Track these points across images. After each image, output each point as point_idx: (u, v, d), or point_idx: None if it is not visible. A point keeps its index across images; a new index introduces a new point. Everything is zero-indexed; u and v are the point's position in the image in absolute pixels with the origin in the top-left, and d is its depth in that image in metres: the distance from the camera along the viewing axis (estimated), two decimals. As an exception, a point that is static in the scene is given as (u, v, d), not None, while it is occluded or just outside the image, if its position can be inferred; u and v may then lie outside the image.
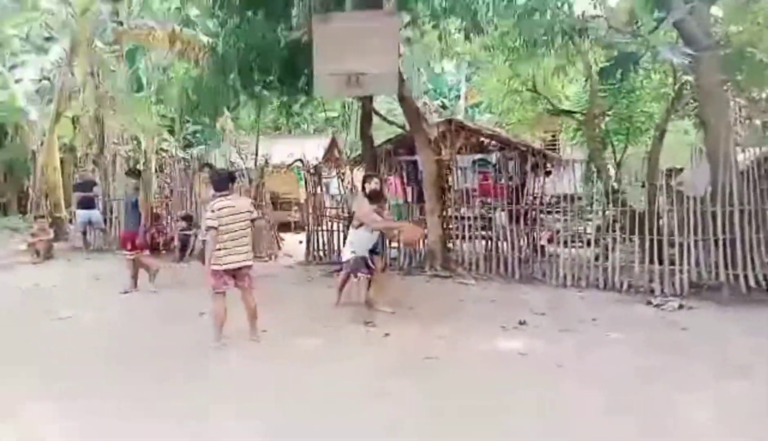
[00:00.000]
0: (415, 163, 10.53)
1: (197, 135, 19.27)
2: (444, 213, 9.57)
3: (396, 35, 7.65)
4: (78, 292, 7.80)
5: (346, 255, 6.56)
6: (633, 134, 10.45)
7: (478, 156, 10.70)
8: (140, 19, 14.19)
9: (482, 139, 11.04)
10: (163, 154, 15.14)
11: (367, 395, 4.25)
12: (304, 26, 7.99)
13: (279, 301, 7.40)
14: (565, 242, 8.62)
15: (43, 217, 11.73)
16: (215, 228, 5.18)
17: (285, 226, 15.06)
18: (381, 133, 13.48)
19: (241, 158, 12.37)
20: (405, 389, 4.36)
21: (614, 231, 8.33)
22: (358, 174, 11.18)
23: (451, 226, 9.64)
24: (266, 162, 12.35)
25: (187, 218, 10.95)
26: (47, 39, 16.33)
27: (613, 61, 7.59)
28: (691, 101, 9.39)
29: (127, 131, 15.10)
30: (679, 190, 7.88)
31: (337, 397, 4.20)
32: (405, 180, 11.46)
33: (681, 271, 7.48)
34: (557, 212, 9.09)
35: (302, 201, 11.98)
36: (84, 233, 11.61)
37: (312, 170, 11.31)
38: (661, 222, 8.06)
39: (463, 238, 9.42)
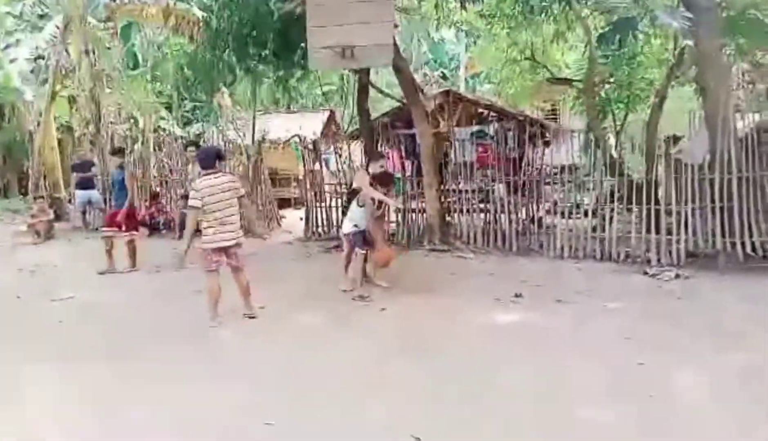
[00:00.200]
0: (413, 136, 10.48)
1: (196, 111, 19.15)
2: (442, 186, 9.55)
3: (390, 5, 7.51)
4: (78, 273, 7.86)
5: (348, 228, 6.57)
6: (633, 102, 10.31)
7: (476, 127, 10.62)
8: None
9: (480, 110, 10.92)
10: (161, 132, 15.11)
11: (362, 371, 4.29)
12: (298, -3, 7.86)
13: (277, 277, 7.46)
14: (563, 213, 8.59)
15: (42, 197, 11.78)
16: (198, 208, 5.18)
17: (285, 202, 15.10)
18: (383, 106, 13.39)
19: (239, 135, 12.27)
20: (401, 364, 4.39)
21: (612, 201, 8.29)
22: (356, 148, 11.16)
23: (449, 200, 9.63)
24: (263, 138, 12.31)
25: (188, 196, 10.94)
26: (41, 16, 16.15)
27: (612, 26, 7.44)
28: (692, 67, 9.22)
29: (123, 109, 15.05)
30: (677, 158, 7.81)
31: (333, 374, 4.24)
32: (403, 154, 11.43)
33: (678, 241, 7.47)
34: (556, 183, 9.05)
35: (301, 177, 11.95)
36: (83, 213, 11.68)
37: (310, 146, 11.26)
38: (659, 191, 8.02)
39: (462, 211, 9.40)
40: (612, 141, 10.00)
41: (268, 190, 11.95)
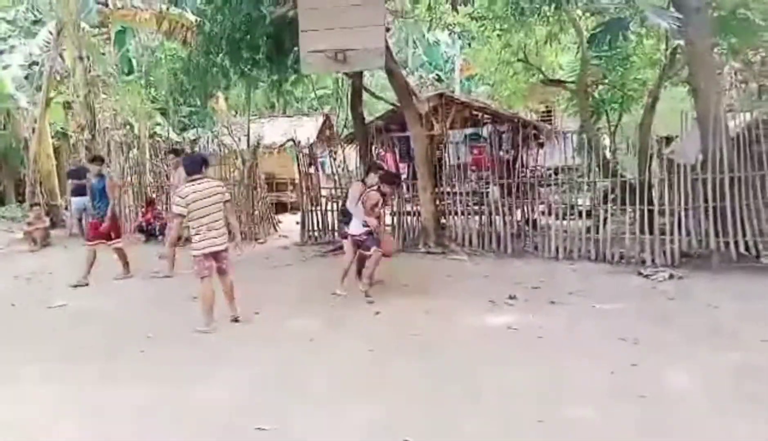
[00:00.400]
0: (407, 139, 10.49)
1: (192, 117, 19.15)
2: (437, 189, 9.56)
3: (382, 8, 7.53)
4: (74, 280, 7.84)
5: (358, 229, 6.54)
6: (627, 102, 10.33)
7: (470, 130, 10.65)
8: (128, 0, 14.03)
9: (474, 112, 10.95)
10: (157, 138, 15.10)
11: (358, 373, 4.30)
12: (290, 0, 7.88)
13: (274, 281, 7.51)
14: (557, 215, 8.61)
15: (38, 205, 11.77)
16: (182, 215, 5.20)
17: (282, 207, 15.11)
18: (379, 109, 13.40)
19: (234, 140, 12.28)
20: (396, 366, 4.41)
21: (606, 202, 8.32)
22: (351, 152, 11.18)
23: (444, 202, 9.64)
24: (258, 143, 12.31)
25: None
26: (35, 22, 16.17)
27: (603, 27, 7.47)
28: (684, 67, 9.26)
29: (119, 115, 15.04)
30: (670, 158, 7.84)
31: (329, 376, 4.25)
32: (398, 156, 11.46)
33: (672, 241, 7.49)
34: (548, 185, 9.07)
35: (297, 181, 11.96)
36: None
37: (305, 150, 11.27)
38: (652, 192, 8.04)
39: (457, 213, 9.41)
40: (606, 142, 10.03)
41: (263, 195, 11.93)
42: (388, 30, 9.16)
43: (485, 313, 5.79)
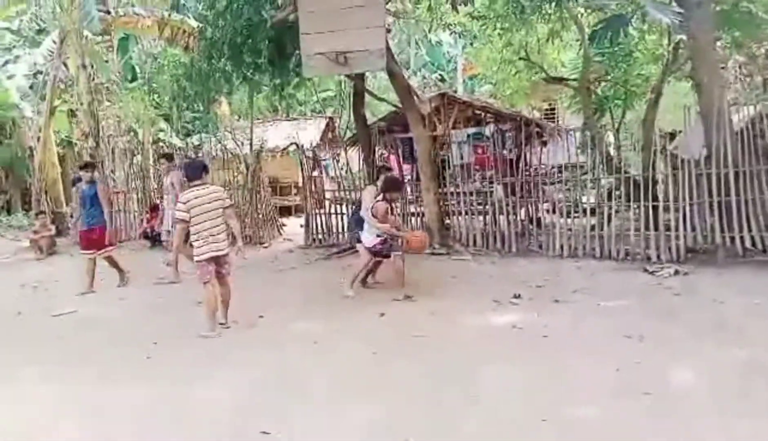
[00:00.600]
0: (410, 140, 10.52)
1: (196, 122, 19.26)
2: (441, 189, 9.59)
3: (382, 9, 7.56)
4: (80, 288, 7.90)
5: (371, 240, 6.58)
6: (630, 99, 10.31)
7: (473, 130, 10.66)
8: (129, 6, 14.15)
9: (477, 111, 10.96)
10: (161, 144, 15.20)
11: (362, 374, 4.32)
12: (290, 3, 7.92)
13: (278, 284, 7.55)
14: (562, 213, 8.61)
15: (44, 213, 11.87)
16: (185, 220, 5.25)
17: (286, 210, 15.18)
18: (382, 110, 13.43)
19: (237, 144, 12.35)
20: (400, 367, 4.41)
21: (610, 200, 8.30)
22: (354, 154, 11.22)
23: (448, 203, 9.66)
24: (262, 147, 12.38)
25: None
26: (39, 31, 16.32)
27: (604, 24, 7.47)
28: (687, 62, 9.24)
29: (122, 122, 15.16)
30: (674, 154, 7.82)
31: (333, 377, 4.27)
32: (401, 158, 11.49)
33: (677, 237, 7.47)
34: (553, 183, 9.07)
35: (301, 184, 12.02)
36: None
37: (308, 153, 11.33)
38: (657, 188, 8.02)
39: (461, 213, 9.42)
40: (610, 139, 10.02)
41: (267, 199, 12.00)
42: (388, 31, 9.22)
43: (490, 312, 5.79)
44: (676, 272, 6.84)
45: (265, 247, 10.85)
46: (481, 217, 9.30)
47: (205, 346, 5.17)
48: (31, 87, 15.17)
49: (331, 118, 18.04)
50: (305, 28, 7.18)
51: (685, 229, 7.47)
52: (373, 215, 6.48)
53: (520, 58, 10.97)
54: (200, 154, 11.85)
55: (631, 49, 9.91)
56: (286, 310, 6.19)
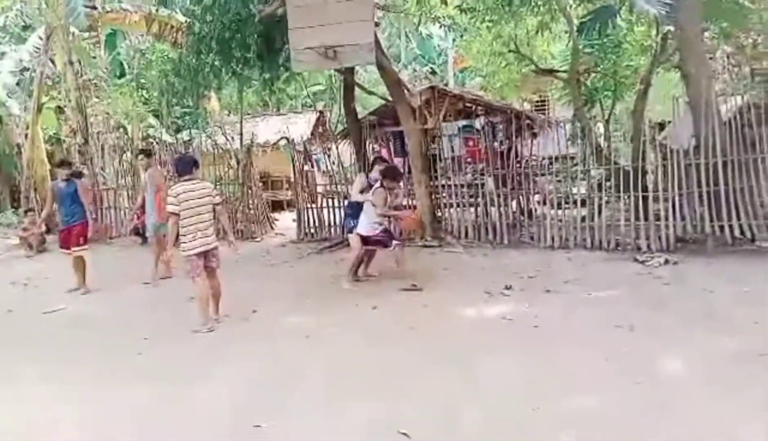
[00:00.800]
0: (401, 133, 10.48)
1: (186, 118, 19.13)
2: (432, 182, 9.60)
3: (371, 3, 7.51)
4: (70, 284, 7.85)
5: (372, 229, 6.69)
6: (620, 90, 10.34)
7: (464, 122, 10.65)
8: (116, 2, 13.99)
9: (467, 104, 10.96)
10: (151, 140, 15.08)
11: (355, 368, 4.31)
12: (278, -2, 7.86)
13: (271, 278, 7.55)
14: (553, 204, 8.65)
15: (33, 210, 11.77)
16: (176, 214, 5.25)
17: (278, 205, 15.14)
18: (373, 103, 13.41)
19: (227, 139, 12.29)
20: (393, 360, 4.42)
21: (601, 190, 8.34)
22: (345, 148, 11.19)
23: (440, 195, 9.67)
24: (252, 141, 12.33)
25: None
26: (24, 28, 16.11)
27: (592, 15, 7.47)
28: (675, 52, 9.28)
29: (111, 118, 15.02)
30: (663, 144, 7.86)
31: (326, 371, 4.26)
32: (393, 151, 11.46)
33: (667, 227, 7.52)
34: (544, 175, 9.11)
35: (293, 179, 11.99)
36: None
37: (299, 147, 11.30)
38: (647, 178, 8.06)
39: (452, 206, 9.45)
40: (600, 129, 10.05)
41: (259, 193, 11.97)
42: (377, 25, 9.17)
43: (481, 304, 5.81)
44: (666, 262, 6.89)
45: (258, 242, 10.83)
46: (472, 210, 9.32)
47: (198, 341, 5.15)
48: (18, 84, 14.98)
49: (321, 112, 17.97)
50: (293, 22, 7.11)
51: (674, 218, 7.52)
52: (373, 204, 6.59)
53: (509, 51, 10.96)
54: (190, 150, 11.76)
55: (619, 40, 9.94)
56: (279, 303, 6.19)
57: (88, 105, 13.43)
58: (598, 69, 10.36)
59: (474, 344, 4.67)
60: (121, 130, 15.58)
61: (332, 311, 5.84)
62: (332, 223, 10.49)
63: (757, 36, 10.54)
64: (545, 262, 7.47)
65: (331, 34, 7.01)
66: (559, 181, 8.95)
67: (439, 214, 9.61)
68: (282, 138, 12.95)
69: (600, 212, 8.17)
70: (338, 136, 11.86)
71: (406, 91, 9.33)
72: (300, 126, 15.89)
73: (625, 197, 7.99)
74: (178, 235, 5.38)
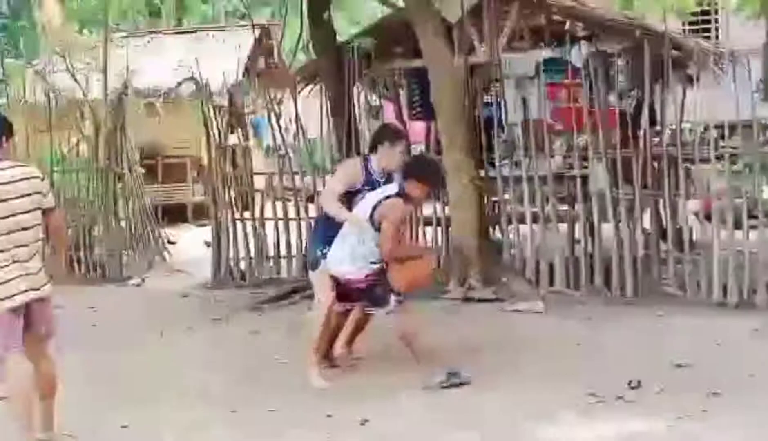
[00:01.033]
0: (423, 73, 10.54)
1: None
2: (483, 171, 9.68)
3: None
4: None
5: (358, 270, 6.63)
6: None
7: (548, 53, 10.68)
8: None
9: (556, 18, 11.00)
10: None
11: None
12: None
13: (151, 368, 7.53)
14: (725, 220, 8.65)
15: None
16: None
17: (177, 213, 15.19)
18: (368, 14, 13.43)
19: (76, 80, 12.36)
20: None
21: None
22: (312, 102, 11.23)
23: (498, 199, 9.69)
24: (127, 86, 12.38)
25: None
26: None
27: None
28: None
29: None
30: None
31: None
32: (406, 109, 11.51)
33: None
34: (707, 161, 9.09)
35: (206, 162, 12.06)
36: None
37: (220, 100, 11.39)
38: None
39: (523, 220, 9.53)
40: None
41: (138, 190, 12.01)
42: None
43: (581, 417, 5.79)
44: None
45: (134, 287, 10.85)
46: (564, 228, 9.37)
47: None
48: None
49: (265, 29, 18.07)
50: None
51: None
52: (374, 223, 6.51)
53: None
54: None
55: None
56: (173, 415, 6.16)
57: None
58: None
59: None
60: None
61: (280, 432, 5.83)
62: (283, 252, 10.59)
63: None
64: (708, 337, 7.47)
65: None
66: (739, 173, 8.91)
67: (497, 235, 9.65)
68: (186, 80, 12.98)
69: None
70: (299, 79, 11.90)
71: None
72: (223, 56, 15.97)
73: None
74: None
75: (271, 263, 10.80)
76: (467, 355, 7.23)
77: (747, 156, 9.07)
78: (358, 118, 10.76)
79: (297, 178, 10.86)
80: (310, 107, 11.10)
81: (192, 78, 12.51)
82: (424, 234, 10.06)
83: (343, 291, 6.73)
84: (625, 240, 8.95)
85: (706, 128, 10.01)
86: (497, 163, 9.77)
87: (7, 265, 5.24)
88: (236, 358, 7.59)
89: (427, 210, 9.89)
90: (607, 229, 9.13)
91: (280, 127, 11.16)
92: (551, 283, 9.15)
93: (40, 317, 5.43)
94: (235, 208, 11.08)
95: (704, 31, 15.82)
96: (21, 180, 5.38)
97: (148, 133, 14.61)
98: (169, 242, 12.87)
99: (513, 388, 6.39)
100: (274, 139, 11.30)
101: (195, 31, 19.02)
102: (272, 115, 11.13)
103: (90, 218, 11.47)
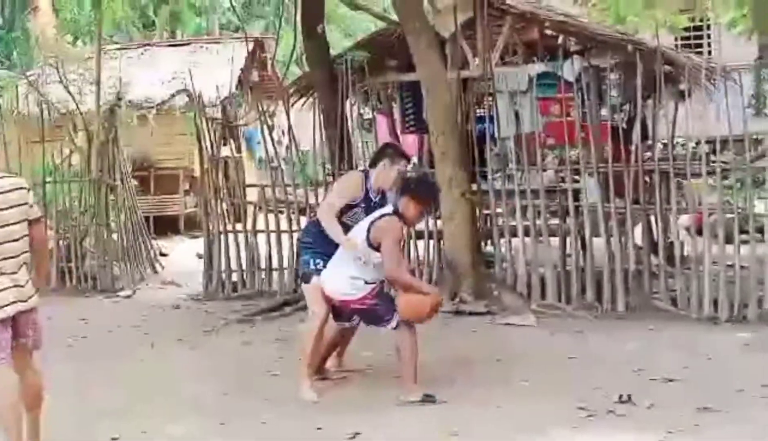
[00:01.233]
0: (416, 86, 10.57)
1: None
2: (476, 185, 9.71)
3: None
4: None
5: (356, 290, 6.56)
6: None
7: (541, 67, 10.71)
8: None
9: (548, 32, 11.04)
10: None
11: None
12: None
13: (142, 379, 7.52)
14: (716, 234, 8.67)
15: None
16: None
17: (169, 225, 15.15)
18: (362, 27, 13.47)
19: (69, 92, 12.35)
20: None
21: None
22: (305, 115, 11.25)
23: (490, 212, 9.69)
24: (120, 97, 12.38)
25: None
26: None
27: None
28: None
29: None
30: None
31: None
32: (399, 123, 11.52)
33: None
34: (698, 175, 9.12)
35: (198, 174, 12.09)
36: None
37: (213, 111, 11.39)
38: None
39: (515, 234, 9.54)
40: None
41: (130, 201, 12.00)
42: None
43: (571, 432, 5.79)
44: None
45: (125, 298, 10.84)
46: (555, 242, 9.38)
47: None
48: None
49: (259, 42, 18.07)
50: None
51: None
52: (372, 242, 6.44)
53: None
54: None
55: None
56: (163, 430, 6.14)
57: None
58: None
59: None
60: None
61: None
62: (275, 264, 10.59)
63: None
64: (699, 351, 7.50)
65: None
66: (730, 189, 8.94)
67: (489, 249, 9.63)
68: (180, 92, 12.99)
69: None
70: (292, 91, 11.92)
71: (428, 2, 9.43)
72: (217, 68, 15.98)
73: None
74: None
75: (263, 275, 10.82)
76: (459, 368, 7.29)
77: (738, 171, 9.09)
78: (350, 130, 10.83)
79: (289, 190, 10.90)
80: (302, 120, 11.13)
81: (185, 90, 12.56)
82: (416, 247, 9.95)
83: (339, 311, 6.74)
84: (617, 254, 9.01)
85: (698, 143, 10.04)
86: (490, 177, 9.79)
87: (-1, 277, 5.24)
88: (228, 370, 7.59)
89: (420, 224, 9.89)
90: (599, 243, 9.15)
91: (272, 139, 11.21)
92: (543, 296, 9.18)
93: (27, 329, 5.40)
94: (227, 220, 11.09)
95: (696, 46, 15.94)
96: (10, 190, 5.37)
97: (141, 145, 14.65)
98: (161, 254, 12.88)
99: (504, 402, 6.40)
100: (267, 151, 11.29)
101: (188, 44, 19.08)
102: (265, 127, 11.16)
103: (82, 229, 11.47)
